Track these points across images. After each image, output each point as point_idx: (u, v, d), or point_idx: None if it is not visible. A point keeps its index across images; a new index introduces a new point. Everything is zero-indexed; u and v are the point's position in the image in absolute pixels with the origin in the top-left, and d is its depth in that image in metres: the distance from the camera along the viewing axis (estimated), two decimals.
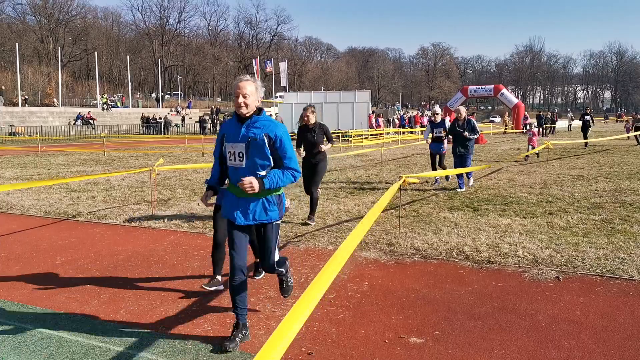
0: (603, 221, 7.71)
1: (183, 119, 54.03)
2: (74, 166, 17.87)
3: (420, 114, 54.43)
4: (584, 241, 6.55)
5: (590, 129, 23.90)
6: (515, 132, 39.04)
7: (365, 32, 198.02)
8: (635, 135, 24.50)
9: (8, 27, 73.14)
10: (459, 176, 10.95)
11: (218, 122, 50.61)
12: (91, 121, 45.47)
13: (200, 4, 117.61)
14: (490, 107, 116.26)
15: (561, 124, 45.80)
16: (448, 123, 11.66)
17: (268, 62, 73.11)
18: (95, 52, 60.46)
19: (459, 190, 10.80)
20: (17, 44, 49.26)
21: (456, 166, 11.02)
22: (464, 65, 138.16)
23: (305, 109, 7.80)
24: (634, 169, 14.32)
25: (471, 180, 11.43)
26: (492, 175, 13.60)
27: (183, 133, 46.23)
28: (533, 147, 17.63)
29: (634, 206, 8.84)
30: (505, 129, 41.88)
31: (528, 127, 20.01)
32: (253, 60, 63.78)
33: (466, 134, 10.81)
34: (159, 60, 74.35)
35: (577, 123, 27.45)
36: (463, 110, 11.10)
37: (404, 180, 7.25)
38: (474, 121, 11.15)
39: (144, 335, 4.05)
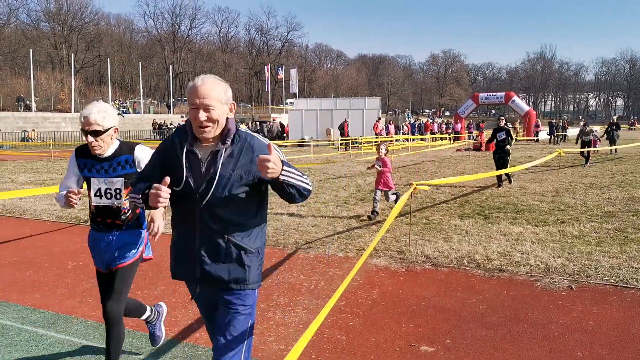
0: (616, 230, 7.63)
1: None
2: None
3: (430, 121, 54.30)
4: (596, 250, 6.48)
5: (509, 155, 13.24)
6: (527, 140, 38.89)
7: (376, 39, 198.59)
8: (582, 152, 18.86)
9: (22, 33, 74.06)
10: None
11: None
12: None
13: (211, 11, 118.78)
14: (501, 115, 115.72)
15: (573, 131, 45.52)
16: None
17: (279, 68, 73.62)
18: (108, 59, 61.06)
19: None
20: (31, 50, 49.85)
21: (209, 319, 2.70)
22: (474, 72, 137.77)
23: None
24: None
25: None
26: (503, 182, 13.50)
27: None
28: (388, 190, 9.13)
29: None
30: (517, 136, 41.70)
31: (379, 153, 9.23)
32: (265, 67, 64.17)
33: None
34: (170, 66, 74.88)
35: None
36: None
37: (415, 188, 7.23)
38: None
39: None
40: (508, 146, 13.07)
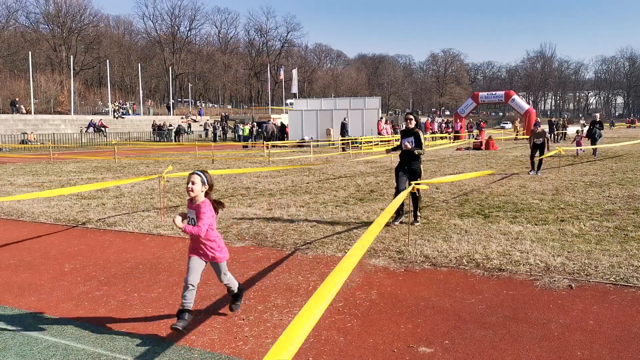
0: (616, 228, 7.59)
1: (189, 126, 54.02)
2: (85, 173, 17.97)
3: (430, 120, 54.28)
4: (597, 249, 6.44)
5: (420, 174, 8.42)
6: (527, 138, 38.86)
7: (375, 39, 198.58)
8: (533, 159, 15.81)
9: (21, 35, 74.18)
10: None
11: (228, 128, 50.86)
12: (103, 129, 45.85)
13: (210, 12, 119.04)
14: (501, 114, 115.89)
15: (573, 130, 45.52)
16: None
17: (280, 69, 73.82)
18: (107, 60, 61.13)
19: None
20: (30, 52, 49.89)
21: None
22: (474, 71, 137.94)
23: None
24: None
25: None
26: (503, 181, 13.48)
27: (194, 140, 46.47)
28: (216, 264, 4.47)
29: None
30: (517, 135, 41.67)
31: (190, 194, 4.63)
32: (267, 68, 64.29)
33: None
34: (170, 67, 74.96)
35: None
36: None
37: (413, 187, 7.19)
38: None
39: (151, 343, 4.02)
40: (417, 152, 8.33)
